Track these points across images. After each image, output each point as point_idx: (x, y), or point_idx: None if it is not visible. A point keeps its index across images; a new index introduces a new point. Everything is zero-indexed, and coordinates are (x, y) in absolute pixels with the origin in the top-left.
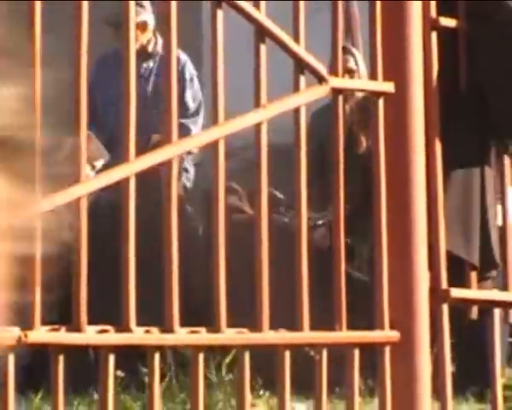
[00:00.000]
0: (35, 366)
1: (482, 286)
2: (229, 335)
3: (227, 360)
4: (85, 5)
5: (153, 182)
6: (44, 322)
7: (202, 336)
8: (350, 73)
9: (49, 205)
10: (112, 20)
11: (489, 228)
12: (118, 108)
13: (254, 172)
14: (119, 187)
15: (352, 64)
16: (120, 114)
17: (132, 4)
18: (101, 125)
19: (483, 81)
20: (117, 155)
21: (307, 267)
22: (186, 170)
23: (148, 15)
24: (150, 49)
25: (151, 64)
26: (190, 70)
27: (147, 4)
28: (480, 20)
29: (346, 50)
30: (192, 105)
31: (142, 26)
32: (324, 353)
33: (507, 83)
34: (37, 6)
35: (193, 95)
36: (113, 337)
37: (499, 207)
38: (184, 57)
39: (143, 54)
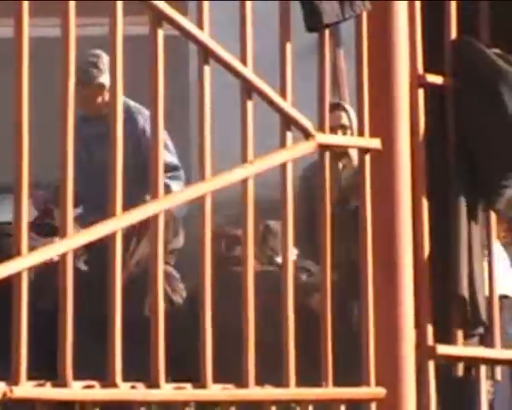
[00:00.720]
0: None
1: (468, 343)
2: (215, 391)
3: None
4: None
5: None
6: (29, 376)
7: (188, 392)
8: (343, 128)
9: (31, 261)
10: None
11: (475, 285)
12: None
13: (239, 227)
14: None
15: (345, 120)
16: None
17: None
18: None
19: (470, 137)
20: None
21: (294, 324)
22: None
23: (105, 77)
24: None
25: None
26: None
27: (104, 66)
28: (466, 76)
29: (339, 107)
30: (170, 159)
31: (99, 89)
32: (310, 409)
33: (492, 140)
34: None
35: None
36: (98, 393)
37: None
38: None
39: (98, 117)
